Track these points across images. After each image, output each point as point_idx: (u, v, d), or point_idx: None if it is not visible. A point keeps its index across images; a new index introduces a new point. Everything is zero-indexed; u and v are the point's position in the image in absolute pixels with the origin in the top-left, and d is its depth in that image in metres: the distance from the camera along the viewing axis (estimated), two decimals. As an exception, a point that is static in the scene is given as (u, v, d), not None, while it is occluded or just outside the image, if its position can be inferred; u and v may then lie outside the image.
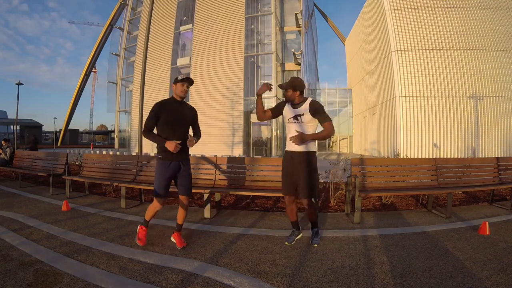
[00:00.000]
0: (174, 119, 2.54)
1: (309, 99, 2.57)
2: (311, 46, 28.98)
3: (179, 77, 2.58)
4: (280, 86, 2.59)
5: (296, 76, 2.62)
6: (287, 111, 2.63)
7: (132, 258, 2.30)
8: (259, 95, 2.62)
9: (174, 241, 2.63)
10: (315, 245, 2.60)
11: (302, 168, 2.52)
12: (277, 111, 2.72)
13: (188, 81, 2.60)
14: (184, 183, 2.61)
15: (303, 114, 2.52)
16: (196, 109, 2.81)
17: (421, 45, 16.46)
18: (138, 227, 2.71)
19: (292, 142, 2.48)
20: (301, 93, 2.57)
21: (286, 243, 2.65)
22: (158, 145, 2.56)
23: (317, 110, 2.51)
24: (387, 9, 17.34)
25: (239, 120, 20.63)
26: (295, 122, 2.55)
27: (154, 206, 2.61)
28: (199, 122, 2.83)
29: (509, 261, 2.23)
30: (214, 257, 2.35)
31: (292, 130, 2.56)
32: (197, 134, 2.77)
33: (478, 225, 3.03)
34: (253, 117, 20.84)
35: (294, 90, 2.55)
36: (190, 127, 2.73)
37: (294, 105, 2.58)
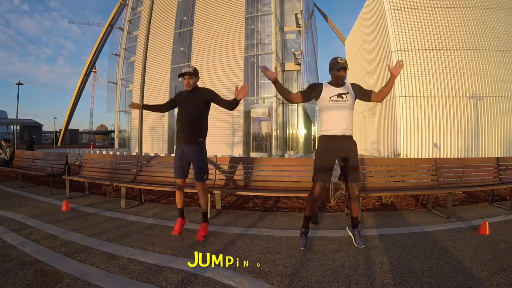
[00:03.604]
0: (180, 107, 2.85)
1: (348, 81, 2.57)
2: (311, 46, 28.98)
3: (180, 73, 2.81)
4: (346, 63, 2.45)
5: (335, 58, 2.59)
6: (328, 91, 2.51)
7: (132, 258, 2.30)
8: (274, 82, 2.51)
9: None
10: (363, 246, 2.49)
11: (352, 151, 2.48)
12: (310, 94, 2.56)
13: (183, 75, 2.77)
14: (194, 169, 2.80)
15: (347, 93, 2.48)
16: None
17: (421, 45, 16.46)
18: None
19: (398, 69, 2.40)
20: None
21: (302, 248, 2.45)
22: None
23: (360, 87, 2.56)
24: (387, 9, 17.34)
25: (239, 120, 20.64)
26: (339, 101, 2.47)
27: (176, 191, 2.90)
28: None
29: (509, 261, 2.23)
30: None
31: (332, 109, 2.48)
32: (228, 102, 2.76)
33: (478, 225, 3.03)
34: (253, 113, 20.89)
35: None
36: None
37: (336, 85, 2.52)
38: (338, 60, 2.46)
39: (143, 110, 3.09)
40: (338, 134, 2.47)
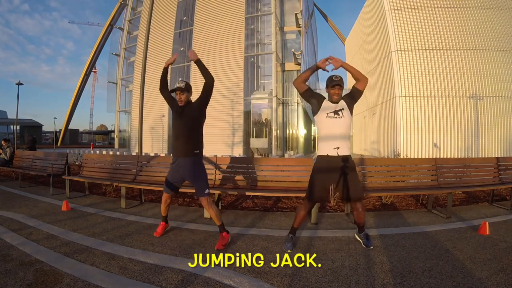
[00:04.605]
0: (174, 120, 2.74)
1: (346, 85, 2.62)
2: (311, 46, 28.99)
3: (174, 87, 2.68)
4: (341, 81, 2.49)
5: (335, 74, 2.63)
6: (326, 106, 2.54)
7: (132, 258, 2.30)
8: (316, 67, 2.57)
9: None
10: (371, 247, 2.54)
11: (351, 171, 2.49)
12: (312, 96, 2.59)
13: (175, 90, 2.67)
14: (194, 186, 2.71)
15: (343, 109, 2.51)
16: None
17: (421, 45, 16.45)
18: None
19: (332, 63, 2.48)
20: None
21: (289, 251, 2.49)
22: None
23: (347, 93, 2.58)
24: (387, 9, 17.33)
25: (239, 120, 20.64)
26: (335, 117, 2.50)
27: (162, 200, 2.81)
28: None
29: (509, 261, 2.23)
30: (214, 257, 2.34)
31: (329, 126, 2.50)
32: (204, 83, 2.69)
33: (478, 225, 3.03)
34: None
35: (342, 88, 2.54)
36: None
37: (333, 101, 2.54)
38: (333, 78, 2.50)
39: (166, 72, 2.85)
40: (335, 154, 2.48)
